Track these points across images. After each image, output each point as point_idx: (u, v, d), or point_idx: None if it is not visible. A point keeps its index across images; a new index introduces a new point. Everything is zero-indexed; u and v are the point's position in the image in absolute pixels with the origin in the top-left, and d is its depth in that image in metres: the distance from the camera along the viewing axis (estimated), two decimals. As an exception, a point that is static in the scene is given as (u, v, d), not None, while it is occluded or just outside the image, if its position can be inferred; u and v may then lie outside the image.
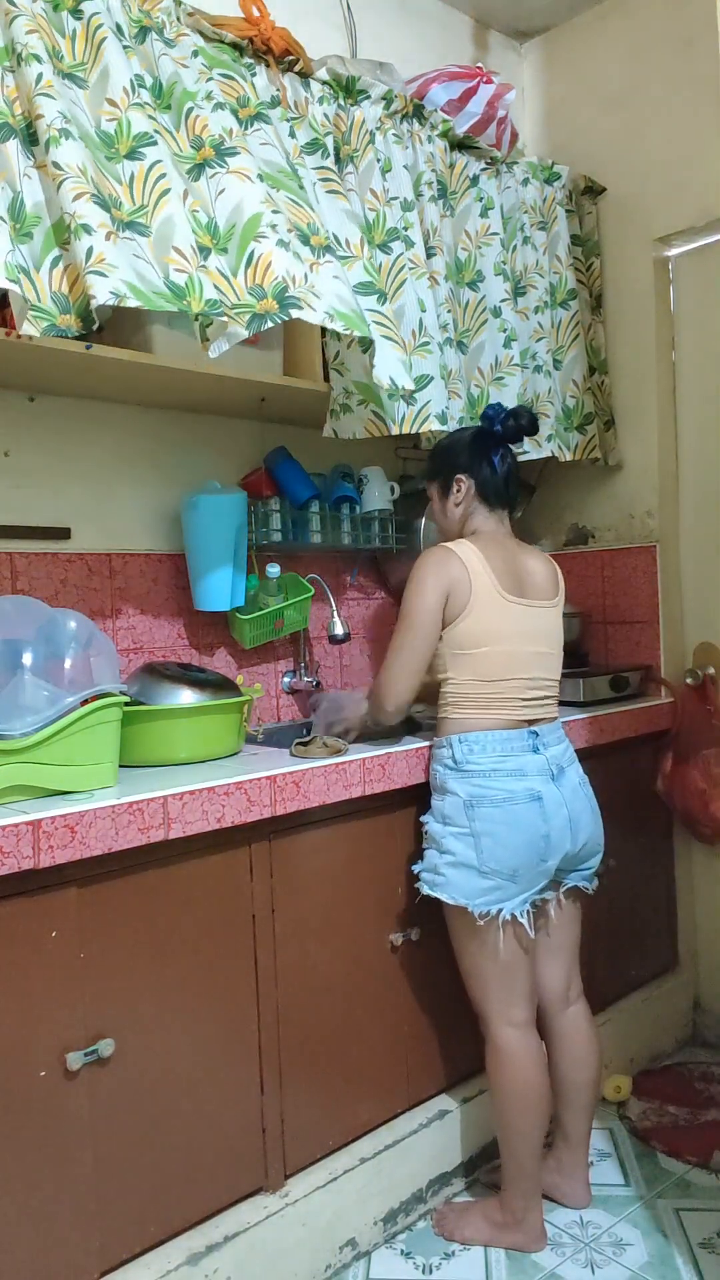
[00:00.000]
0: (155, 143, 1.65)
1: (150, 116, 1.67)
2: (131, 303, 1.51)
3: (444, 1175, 1.99)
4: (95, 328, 1.56)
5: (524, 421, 1.89)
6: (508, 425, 1.89)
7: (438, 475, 1.97)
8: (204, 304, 1.63)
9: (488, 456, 1.90)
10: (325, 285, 1.78)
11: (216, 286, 1.68)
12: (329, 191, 1.99)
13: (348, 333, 1.79)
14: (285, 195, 1.82)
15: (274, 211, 1.74)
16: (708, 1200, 1.99)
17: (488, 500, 1.91)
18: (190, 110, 1.74)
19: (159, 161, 1.64)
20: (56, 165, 1.51)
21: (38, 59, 1.54)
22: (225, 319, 1.68)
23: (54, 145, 1.51)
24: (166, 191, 1.64)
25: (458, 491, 1.92)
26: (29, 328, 1.50)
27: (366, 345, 1.96)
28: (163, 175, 1.64)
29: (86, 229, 1.50)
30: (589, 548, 2.78)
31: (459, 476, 1.91)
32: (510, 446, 1.92)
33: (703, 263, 2.59)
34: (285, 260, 1.71)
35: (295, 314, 1.70)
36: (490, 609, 1.79)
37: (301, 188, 1.88)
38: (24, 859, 1.35)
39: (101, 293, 1.48)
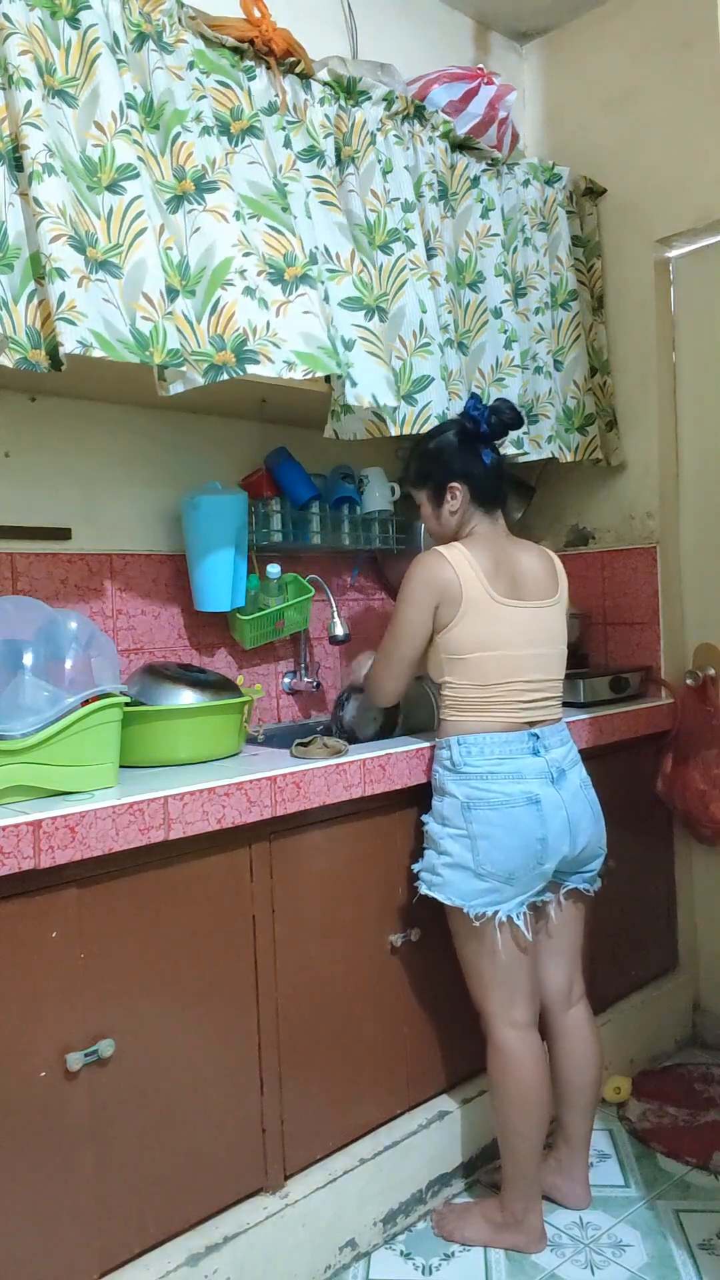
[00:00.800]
0: (137, 175, 1.66)
1: (135, 141, 1.67)
2: (97, 353, 1.55)
3: (444, 1176, 1.99)
4: (62, 368, 1.59)
5: (507, 416, 1.86)
6: (493, 422, 1.85)
7: (427, 482, 1.91)
8: (166, 354, 1.65)
9: (479, 458, 1.86)
10: (291, 327, 1.80)
11: (180, 330, 1.69)
12: (323, 202, 1.99)
13: (308, 376, 1.80)
14: (265, 223, 1.83)
15: (245, 254, 1.75)
16: (707, 1201, 1.99)
17: (483, 503, 1.89)
18: (177, 136, 1.75)
19: (139, 197, 1.65)
20: (37, 202, 1.53)
21: (28, 84, 1.54)
22: (185, 369, 1.70)
23: (36, 180, 1.53)
24: (143, 231, 1.65)
25: (453, 499, 1.88)
26: (4, 359, 1.53)
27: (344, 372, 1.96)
28: (140, 213, 1.65)
29: (60, 273, 1.53)
30: (589, 549, 2.78)
31: (453, 485, 1.87)
32: (495, 443, 1.89)
33: (703, 264, 2.59)
34: (249, 310, 1.73)
35: (251, 369, 1.73)
36: (483, 614, 1.78)
37: (286, 209, 1.87)
38: (24, 859, 1.35)
39: (69, 341, 1.51)
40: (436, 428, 1.99)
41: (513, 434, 2.35)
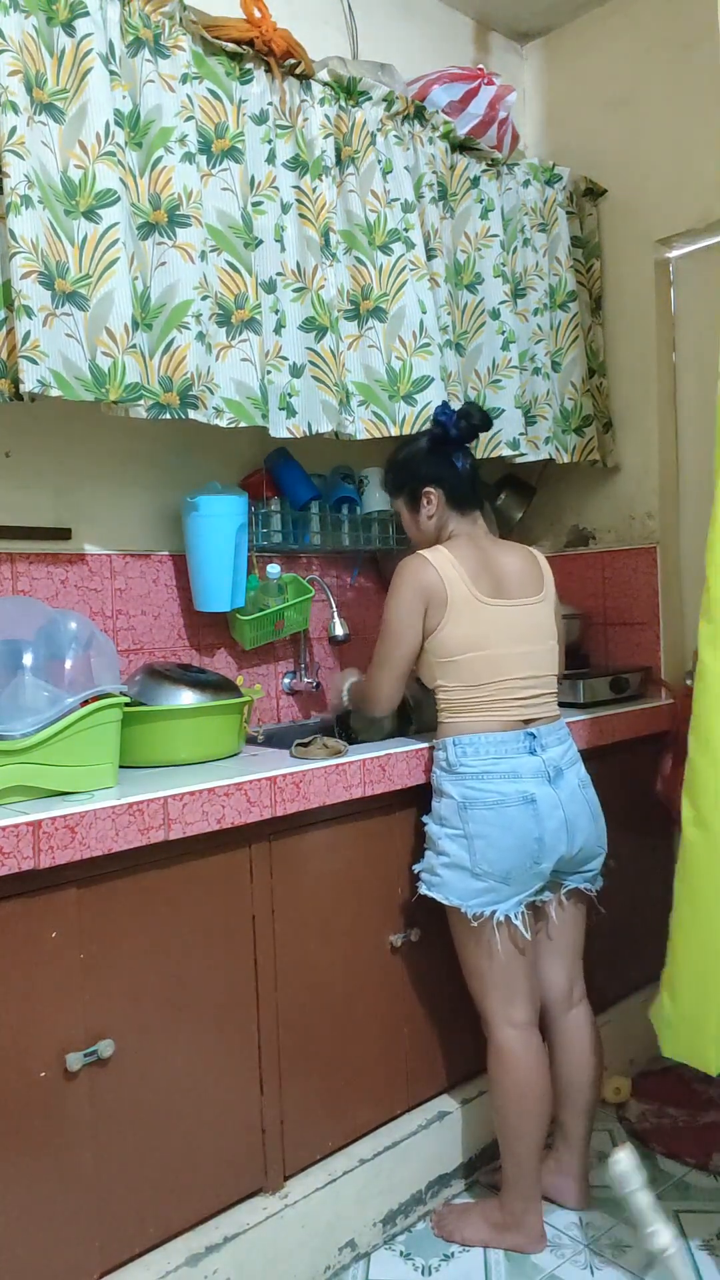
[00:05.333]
0: (116, 200, 1.67)
1: (118, 162, 1.68)
2: (54, 393, 1.60)
3: (443, 1176, 1.99)
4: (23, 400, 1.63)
5: (476, 420, 1.90)
6: (461, 427, 1.89)
7: (402, 490, 1.97)
8: (123, 390, 1.69)
9: (449, 462, 1.90)
10: (226, 373, 1.86)
11: (138, 365, 1.72)
12: (300, 215, 2.00)
13: (233, 425, 1.86)
14: (225, 259, 1.85)
15: (203, 297, 1.78)
16: (707, 1202, 1.99)
17: (459, 506, 1.92)
18: (159, 160, 1.76)
19: (115, 224, 1.67)
20: (12, 235, 1.55)
21: (14, 108, 1.55)
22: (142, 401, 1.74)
23: (13, 212, 1.54)
24: (114, 261, 1.67)
25: (428, 504, 1.92)
26: None
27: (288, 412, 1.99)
28: (114, 242, 1.67)
29: (28, 311, 1.55)
30: (589, 549, 2.78)
31: (427, 490, 1.92)
32: (466, 447, 1.93)
33: (703, 264, 2.59)
34: (198, 355, 1.78)
35: (191, 414, 1.78)
36: (469, 615, 1.79)
37: (249, 244, 1.89)
38: (24, 859, 1.35)
39: (30, 380, 1.56)
40: (408, 436, 2.05)
41: (508, 435, 2.37)
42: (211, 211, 1.85)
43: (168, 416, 1.77)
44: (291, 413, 1.99)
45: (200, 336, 1.78)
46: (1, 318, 1.59)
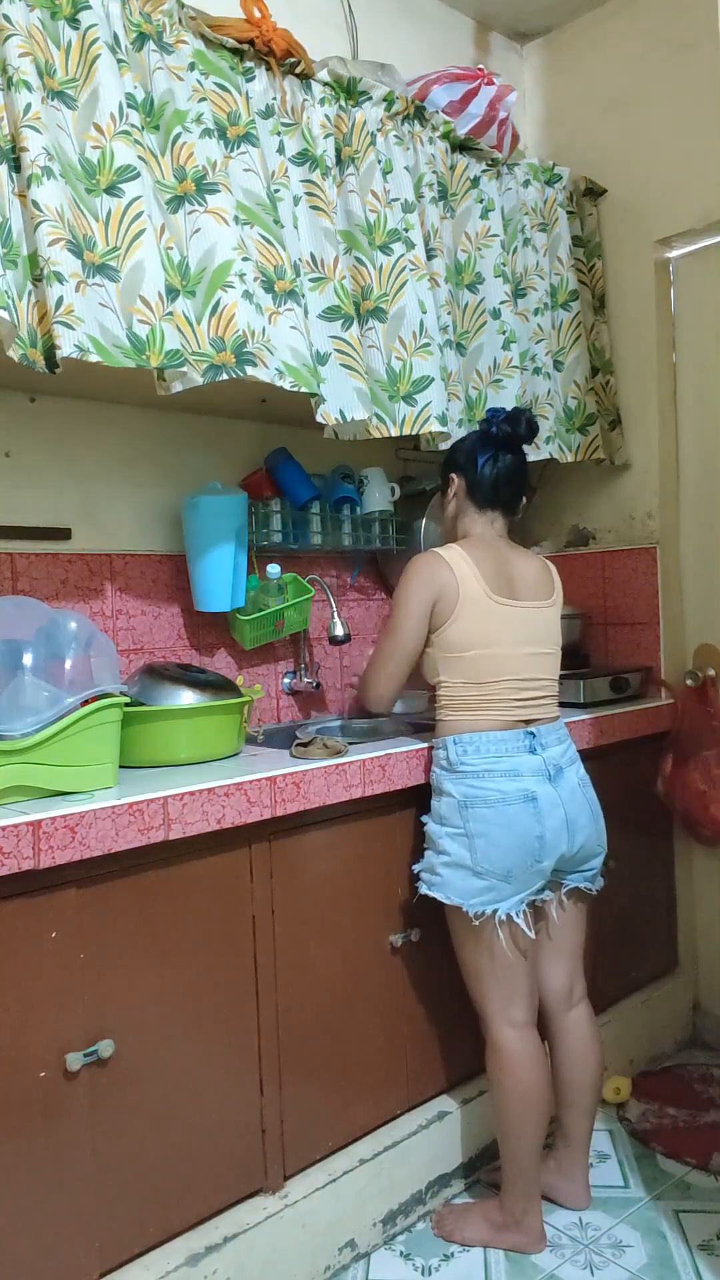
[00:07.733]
0: (136, 175, 1.66)
1: (136, 142, 1.67)
2: (93, 358, 1.56)
3: (443, 1176, 1.99)
4: (56, 370, 1.59)
5: (521, 429, 1.91)
6: (501, 429, 1.91)
7: (442, 470, 2.03)
8: (164, 356, 1.66)
9: (476, 459, 1.92)
10: (281, 338, 1.84)
11: (180, 330, 1.70)
12: (312, 208, 2.00)
13: (295, 389, 1.83)
14: (258, 232, 1.84)
15: (244, 259, 1.77)
16: (707, 1202, 1.99)
17: (476, 502, 1.94)
18: (178, 137, 1.75)
19: (138, 198, 1.65)
20: (36, 205, 1.53)
21: (27, 86, 1.54)
22: (185, 369, 1.71)
23: (35, 184, 1.53)
24: (141, 233, 1.65)
25: (449, 490, 1.98)
26: (13, 351, 1.54)
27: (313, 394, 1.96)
28: (139, 214, 1.65)
29: (59, 277, 1.53)
30: (589, 549, 2.78)
31: (451, 475, 1.97)
32: (504, 450, 1.92)
33: (704, 264, 2.59)
34: (247, 313, 1.75)
35: (250, 371, 1.75)
36: (479, 612, 1.80)
37: (277, 222, 1.89)
38: (24, 859, 1.35)
39: (66, 345, 1.53)
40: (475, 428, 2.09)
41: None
42: (239, 189, 1.83)
43: (225, 378, 1.73)
44: (322, 400, 1.98)
45: (247, 295, 1.75)
46: (29, 289, 1.57)
